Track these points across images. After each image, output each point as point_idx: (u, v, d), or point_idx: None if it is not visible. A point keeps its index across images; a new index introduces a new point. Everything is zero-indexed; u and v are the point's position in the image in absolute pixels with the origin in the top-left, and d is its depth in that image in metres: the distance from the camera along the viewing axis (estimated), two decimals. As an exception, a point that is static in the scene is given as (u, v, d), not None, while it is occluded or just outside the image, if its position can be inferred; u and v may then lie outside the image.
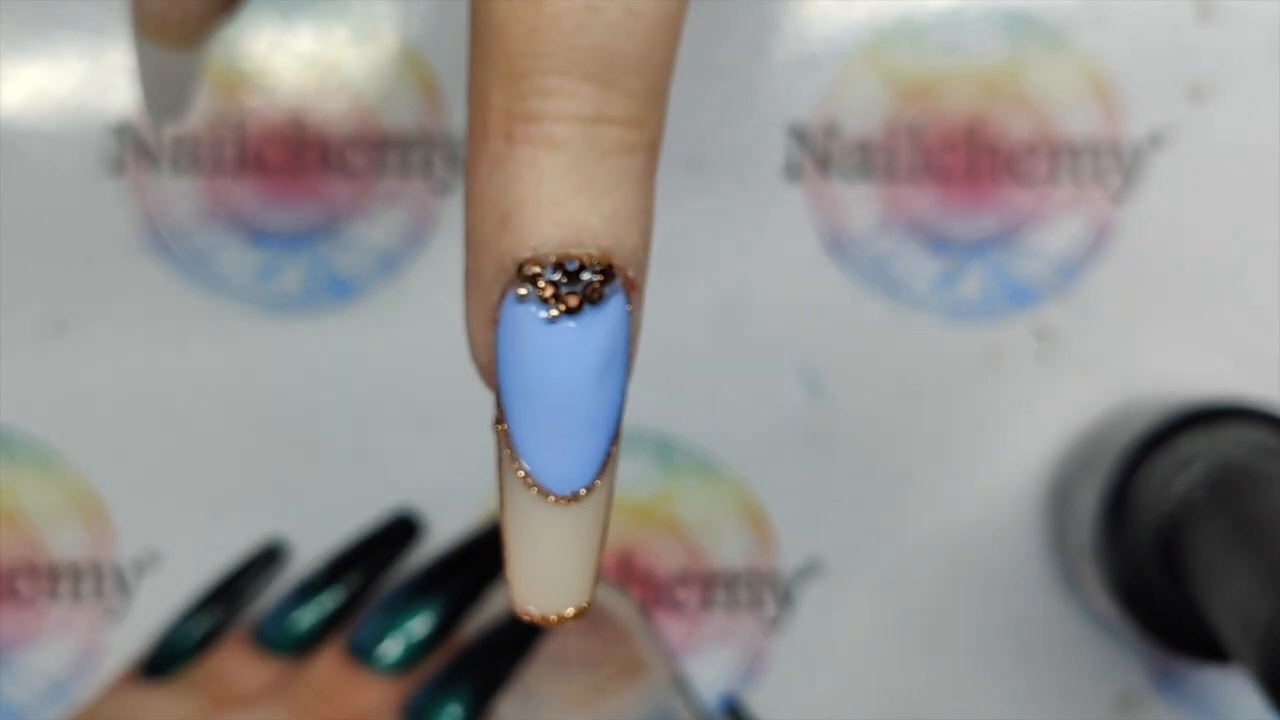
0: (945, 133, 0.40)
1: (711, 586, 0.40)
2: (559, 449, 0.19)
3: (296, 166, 0.40)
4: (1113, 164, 0.40)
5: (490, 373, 0.19)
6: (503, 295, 0.18)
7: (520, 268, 0.18)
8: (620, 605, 0.38)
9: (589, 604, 0.19)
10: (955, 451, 0.40)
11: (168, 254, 0.40)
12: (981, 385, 0.40)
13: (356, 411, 0.40)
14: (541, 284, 0.18)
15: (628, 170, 0.18)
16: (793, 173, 0.40)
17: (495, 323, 0.18)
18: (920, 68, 0.40)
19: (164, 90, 0.30)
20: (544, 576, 0.19)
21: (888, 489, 0.40)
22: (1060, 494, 0.39)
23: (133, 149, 0.39)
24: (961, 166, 0.40)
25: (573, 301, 0.18)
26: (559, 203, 0.18)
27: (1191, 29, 0.40)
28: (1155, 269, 0.40)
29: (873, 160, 0.40)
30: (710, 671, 0.39)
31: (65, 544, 0.39)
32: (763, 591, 0.40)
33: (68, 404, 0.39)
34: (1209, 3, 0.40)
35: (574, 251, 0.18)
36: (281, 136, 0.40)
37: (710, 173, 0.40)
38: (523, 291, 0.18)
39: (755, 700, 0.40)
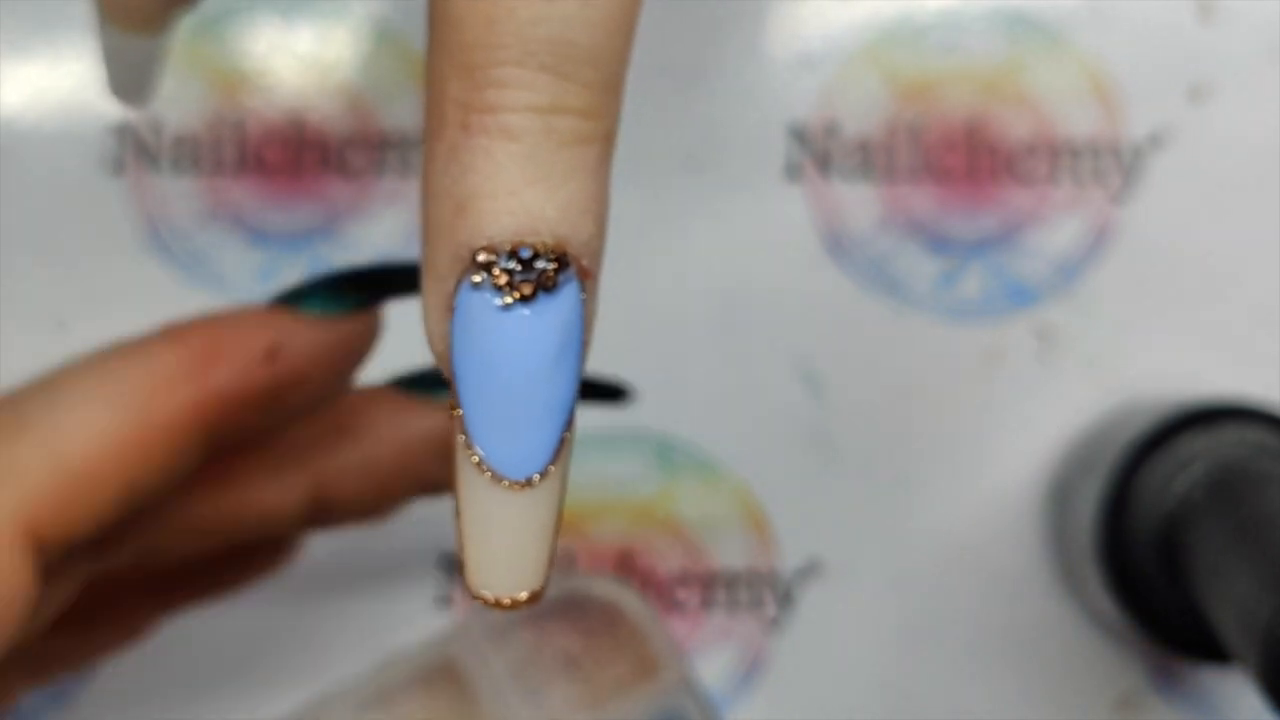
0: (945, 133, 0.40)
1: (712, 586, 0.40)
2: (512, 435, 0.19)
3: (296, 166, 0.40)
4: (1113, 164, 0.40)
5: (446, 360, 0.19)
6: (458, 283, 0.19)
7: (475, 256, 0.18)
8: (632, 604, 0.38)
9: (542, 588, 0.20)
10: (955, 451, 0.40)
11: (168, 254, 0.40)
12: (981, 385, 0.40)
13: (356, 411, 0.40)
14: (496, 272, 0.18)
15: (583, 160, 0.18)
16: (793, 172, 0.40)
17: (451, 310, 0.19)
18: (920, 68, 0.40)
19: (129, 74, 0.31)
20: (498, 561, 0.19)
21: (888, 489, 0.40)
22: (1060, 494, 0.39)
23: (133, 149, 0.39)
24: (961, 166, 0.40)
25: (527, 289, 0.18)
26: (514, 192, 0.18)
27: (1191, 29, 0.40)
28: (1155, 269, 0.40)
29: (873, 160, 0.40)
30: (710, 671, 0.39)
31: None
32: (763, 591, 0.40)
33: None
34: (1209, 3, 0.40)
35: (529, 240, 0.18)
36: (281, 136, 0.40)
37: (710, 173, 0.40)
38: (477, 279, 0.18)
39: (755, 700, 0.40)
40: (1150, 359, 0.40)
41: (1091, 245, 0.40)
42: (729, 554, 0.40)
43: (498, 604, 0.19)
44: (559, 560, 0.40)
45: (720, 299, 0.40)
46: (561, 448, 0.19)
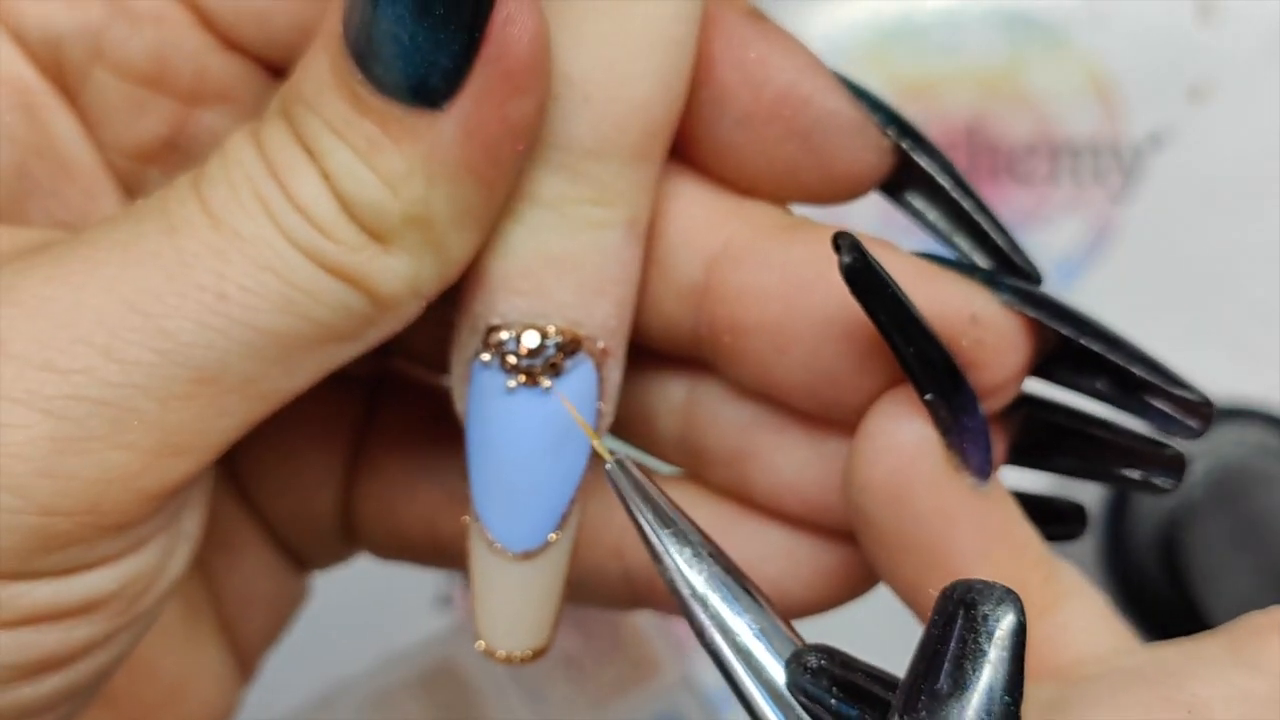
0: (945, 133, 0.40)
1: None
2: (513, 510, 0.19)
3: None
4: (1113, 164, 0.40)
5: (464, 427, 0.19)
6: (474, 354, 0.19)
7: (488, 333, 0.19)
8: None
9: (546, 645, 0.20)
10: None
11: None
12: (981, 385, 0.40)
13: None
14: (505, 355, 0.19)
15: (600, 244, 0.19)
16: (793, 173, 0.40)
17: (469, 378, 0.19)
18: (920, 68, 0.40)
19: None
20: (504, 621, 0.20)
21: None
22: (1060, 494, 0.39)
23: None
24: (962, 166, 0.40)
25: (533, 374, 0.19)
26: (527, 274, 0.19)
27: (1191, 29, 0.40)
28: (1155, 269, 0.40)
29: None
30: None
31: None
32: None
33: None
34: (1209, 3, 0.40)
35: (538, 324, 0.19)
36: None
37: (710, 173, 0.40)
38: (485, 358, 0.19)
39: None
40: (1150, 359, 0.40)
41: (1091, 245, 0.40)
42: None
43: (507, 659, 0.20)
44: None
45: (720, 299, 0.40)
46: (564, 521, 0.19)
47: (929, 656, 0.16)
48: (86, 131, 0.20)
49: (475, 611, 0.20)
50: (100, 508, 0.17)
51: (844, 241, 0.18)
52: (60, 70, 0.20)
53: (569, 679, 0.37)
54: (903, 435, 0.19)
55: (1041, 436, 0.21)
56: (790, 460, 0.21)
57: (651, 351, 0.21)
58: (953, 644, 0.16)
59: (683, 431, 0.22)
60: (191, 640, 0.23)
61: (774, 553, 0.21)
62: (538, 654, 0.20)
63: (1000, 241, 0.21)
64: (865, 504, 0.19)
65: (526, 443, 0.19)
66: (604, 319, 0.19)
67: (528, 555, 0.19)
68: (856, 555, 0.21)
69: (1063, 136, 0.40)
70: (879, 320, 0.18)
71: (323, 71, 0.17)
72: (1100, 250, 0.40)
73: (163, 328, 0.17)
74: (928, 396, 0.19)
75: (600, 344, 0.19)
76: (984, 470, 0.19)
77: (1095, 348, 0.20)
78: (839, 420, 0.20)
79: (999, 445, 0.21)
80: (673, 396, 0.22)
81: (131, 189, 0.20)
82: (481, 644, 0.20)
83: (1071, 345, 0.20)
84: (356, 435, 0.23)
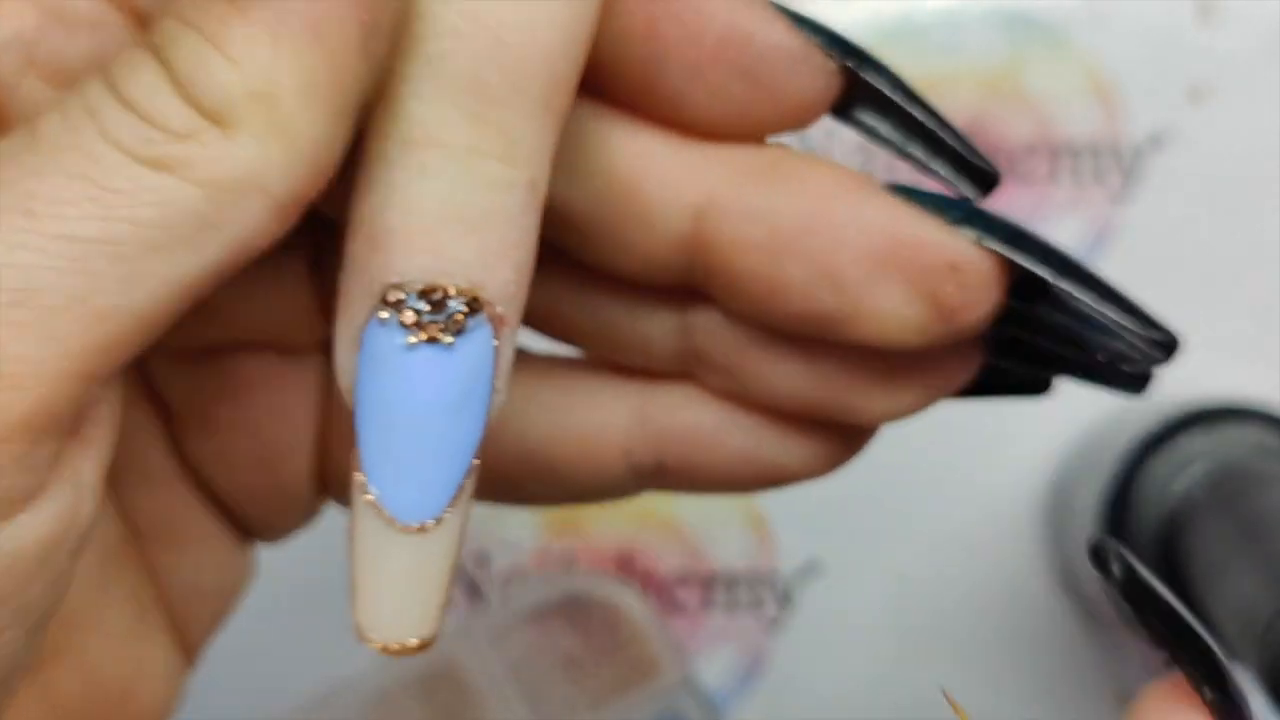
0: (945, 133, 0.40)
1: (711, 586, 0.40)
2: (409, 478, 0.18)
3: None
4: (1113, 164, 0.40)
5: (351, 395, 0.19)
6: (368, 317, 0.18)
7: (386, 293, 0.18)
8: (633, 605, 0.38)
9: (433, 636, 0.19)
10: (955, 452, 0.40)
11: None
12: (981, 385, 0.40)
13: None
14: (405, 310, 0.18)
15: (504, 206, 0.18)
16: (793, 173, 0.40)
17: (359, 344, 0.18)
18: (920, 68, 0.40)
19: None
20: (387, 605, 0.19)
21: (888, 489, 0.40)
22: (1060, 494, 0.39)
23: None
24: (961, 166, 0.40)
25: (434, 331, 0.18)
26: (428, 231, 0.18)
27: (1191, 29, 0.40)
28: (1155, 269, 0.40)
29: (873, 160, 0.40)
30: (710, 671, 0.39)
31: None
32: (763, 591, 0.40)
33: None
34: (1209, 3, 0.40)
35: (440, 281, 0.18)
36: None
37: (710, 173, 0.40)
38: (385, 315, 0.18)
39: (755, 700, 0.40)
40: (1150, 359, 0.40)
41: (1091, 245, 0.40)
42: (729, 554, 0.40)
43: (385, 649, 0.19)
44: (560, 561, 0.40)
45: (720, 299, 0.40)
46: (459, 494, 0.19)
47: None
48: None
49: (355, 596, 0.19)
50: None
51: (1109, 552, 0.19)
52: None
53: (569, 679, 0.37)
54: None
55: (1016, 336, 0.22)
56: (788, 373, 0.21)
57: (645, 294, 0.21)
58: None
59: (679, 349, 0.22)
60: (139, 639, 0.22)
61: (770, 443, 0.22)
62: (423, 645, 0.19)
63: (955, 144, 0.21)
64: None
65: (425, 402, 0.18)
66: (503, 284, 0.18)
67: (422, 528, 0.18)
68: (842, 435, 0.22)
69: (1063, 136, 0.40)
70: (1151, 629, 0.19)
71: None
72: (1100, 250, 0.40)
73: None
74: (1208, 695, 0.19)
75: (499, 310, 0.18)
76: None
77: (1072, 289, 0.21)
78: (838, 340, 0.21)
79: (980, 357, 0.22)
80: (668, 320, 0.22)
81: None
82: (361, 633, 0.19)
83: (1045, 284, 0.21)
84: (323, 399, 0.23)
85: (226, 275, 0.17)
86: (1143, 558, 0.35)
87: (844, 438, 0.23)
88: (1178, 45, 0.40)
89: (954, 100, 0.40)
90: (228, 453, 0.23)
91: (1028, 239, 0.21)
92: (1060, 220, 0.40)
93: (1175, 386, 0.40)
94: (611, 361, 0.23)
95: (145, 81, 0.16)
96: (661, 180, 0.20)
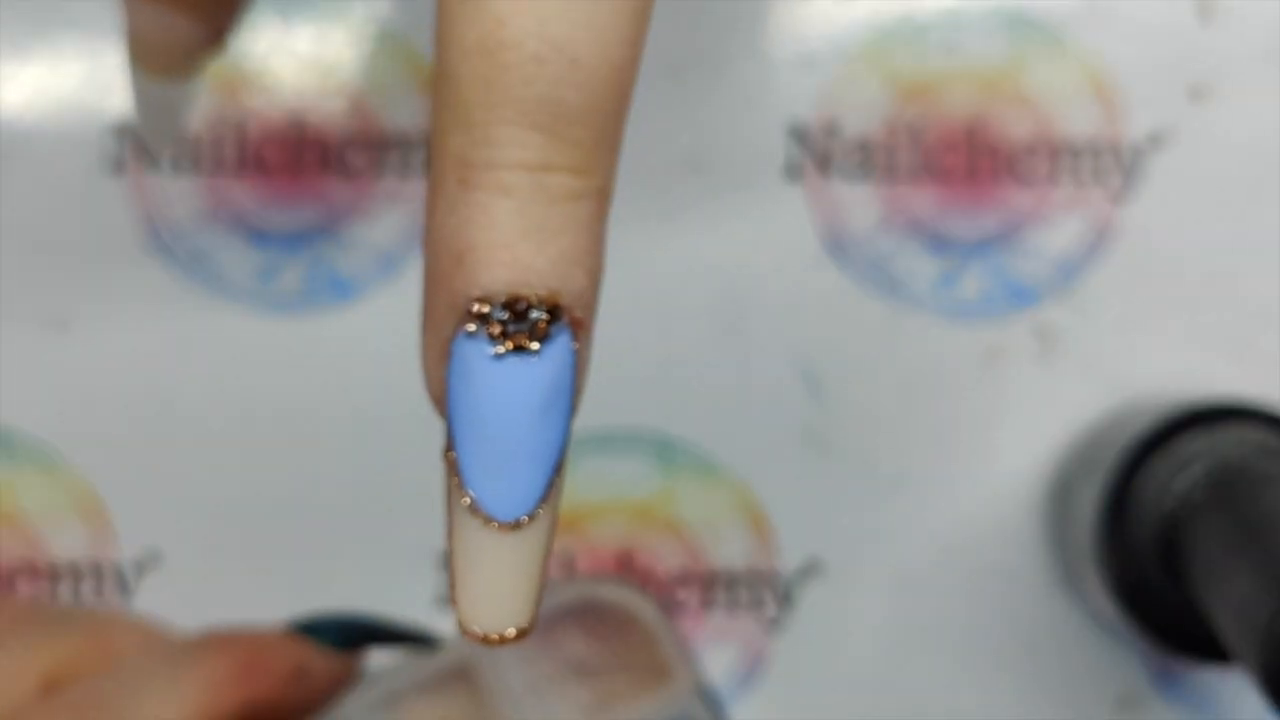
0: (945, 133, 0.40)
1: (711, 586, 0.40)
2: (503, 479, 0.20)
3: (297, 166, 0.40)
4: (1113, 164, 0.40)
5: (443, 405, 0.20)
6: (455, 331, 0.19)
7: (470, 306, 0.19)
8: (644, 610, 0.38)
9: (530, 625, 0.20)
10: (955, 451, 0.40)
11: (168, 254, 0.40)
12: (981, 385, 0.40)
13: (356, 411, 0.40)
14: (490, 322, 0.19)
15: (574, 215, 0.19)
16: (793, 172, 0.40)
17: (447, 356, 0.20)
18: (920, 68, 0.40)
19: (158, 117, 0.33)
20: (487, 599, 0.20)
21: (888, 488, 0.40)
22: (1060, 494, 0.39)
23: (132, 149, 0.39)
24: (961, 166, 0.40)
25: (519, 339, 0.19)
26: (508, 245, 0.19)
27: (1191, 29, 0.40)
28: (1155, 269, 0.40)
29: (873, 160, 0.40)
30: (710, 671, 0.39)
31: (65, 544, 0.39)
32: (763, 591, 0.40)
33: (68, 404, 0.39)
34: (1209, 3, 0.40)
35: (521, 292, 0.19)
36: (281, 136, 0.40)
37: (710, 173, 0.40)
38: (472, 328, 0.19)
39: (755, 700, 0.40)
40: (1150, 359, 0.40)
41: (1091, 245, 0.40)
42: (729, 554, 0.40)
43: (486, 640, 0.20)
44: (559, 561, 0.40)
45: (720, 299, 0.40)
46: (550, 491, 0.20)
47: None
48: None
49: (458, 594, 0.20)
50: None
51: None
52: None
53: (580, 683, 0.37)
54: None
55: None
56: None
57: None
58: None
59: None
60: None
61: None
62: (521, 634, 0.20)
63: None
64: None
65: (516, 408, 0.19)
66: (580, 289, 0.19)
67: (516, 525, 0.20)
68: None
69: (1063, 136, 0.40)
70: None
71: None
72: (1100, 250, 0.40)
73: None
74: None
75: (577, 313, 0.19)
76: None
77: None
78: None
79: None
80: None
81: None
82: (464, 625, 0.20)
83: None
84: None
85: None
86: (1143, 558, 0.35)
87: None
88: (1178, 45, 0.40)
89: (954, 100, 0.40)
90: None
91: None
92: (1060, 220, 0.40)
93: (1175, 386, 0.40)
94: None
95: None
96: None
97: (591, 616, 0.38)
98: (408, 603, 0.39)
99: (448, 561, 0.20)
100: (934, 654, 0.40)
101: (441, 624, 0.39)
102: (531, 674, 0.37)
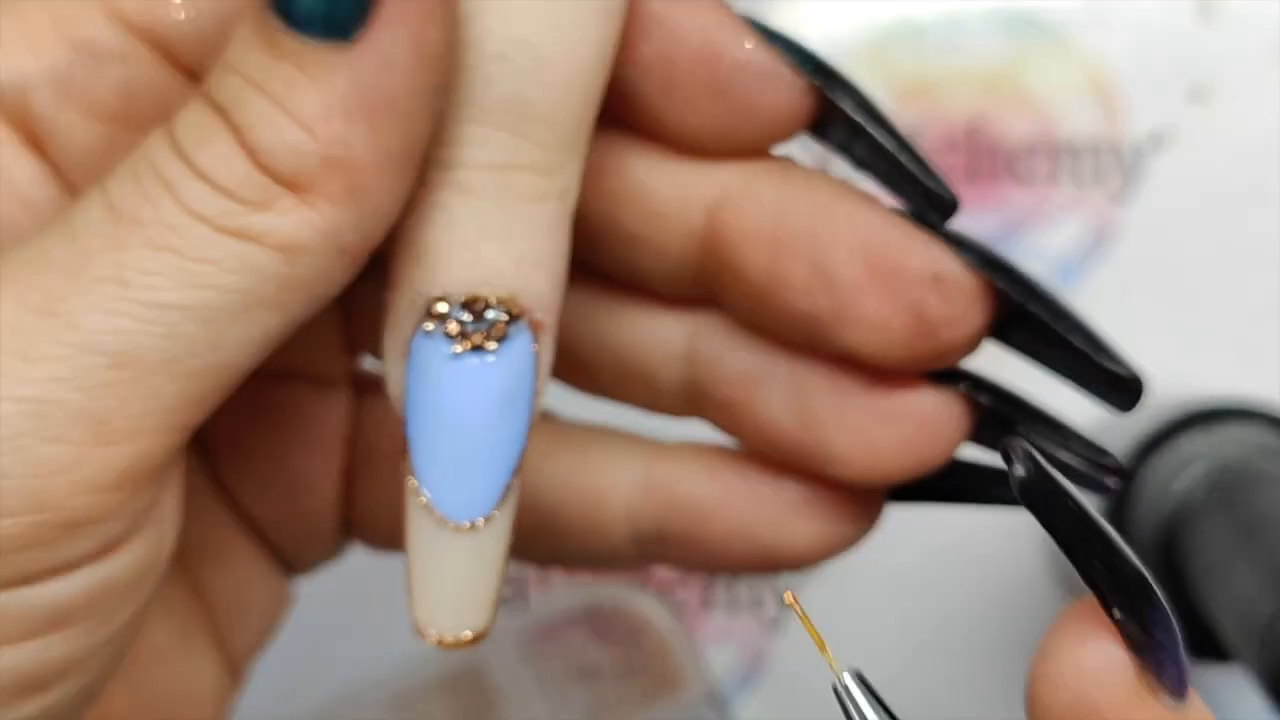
0: (945, 133, 0.40)
1: (711, 586, 0.40)
2: (458, 479, 0.19)
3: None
4: (1113, 164, 0.40)
5: (401, 404, 0.20)
6: (414, 330, 0.19)
7: (430, 305, 0.19)
8: (659, 617, 0.38)
9: (486, 628, 0.20)
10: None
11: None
12: (981, 385, 0.40)
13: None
14: (449, 322, 0.19)
15: (537, 217, 0.19)
16: (793, 173, 0.40)
17: (406, 355, 0.19)
18: (920, 68, 0.40)
19: None
20: (443, 601, 0.20)
21: (888, 489, 0.40)
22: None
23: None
24: (962, 166, 0.40)
25: (477, 339, 0.19)
26: (469, 245, 0.19)
27: (1191, 29, 0.40)
28: (1155, 269, 0.40)
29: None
30: (718, 666, 0.39)
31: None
32: (763, 591, 0.40)
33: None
34: (1209, 3, 0.40)
35: (481, 292, 0.19)
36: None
37: (710, 173, 0.40)
38: (430, 327, 0.19)
39: (755, 700, 0.40)
40: (1150, 359, 0.40)
41: (1091, 245, 0.40)
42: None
43: (440, 643, 0.20)
44: (580, 571, 0.40)
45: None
46: (507, 493, 0.20)
47: None
48: (56, 176, 0.20)
49: (412, 593, 0.20)
50: (45, 504, 0.17)
51: (1017, 451, 0.18)
52: (27, 117, 0.20)
53: (591, 688, 0.37)
54: (1089, 657, 0.18)
55: (990, 421, 0.22)
56: (777, 405, 0.21)
57: (653, 298, 0.22)
58: None
59: (684, 377, 0.22)
60: (186, 656, 0.23)
61: (769, 518, 0.22)
62: (478, 637, 0.20)
63: (914, 169, 0.21)
64: None
65: (472, 407, 0.19)
66: (540, 291, 0.19)
67: (473, 527, 0.20)
68: (840, 512, 0.23)
69: (1063, 136, 0.40)
70: (1058, 536, 0.18)
71: (245, 32, 0.17)
72: (1100, 250, 0.40)
73: (72, 322, 0.17)
74: (1117, 614, 0.18)
75: (537, 315, 0.19)
76: (1181, 689, 0.19)
77: (1041, 315, 0.21)
78: (832, 360, 0.21)
79: (968, 419, 0.22)
80: (674, 343, 0.22)
81: None
82: (420, 628, 0.20)
83: (1023, 311, 0.21)
84: (351, 432, 0.23)
85: (301, 324, 0.18)
86: (1143, 557, 0.35)
87: (842, 515, 0.23)
88: (1178, 45, 0.40)
89: (954, 100, 0.40)
90: (257, 478, 0.23)
91: (1010, 267, 0.21)
92: (1060, 220, 0.40)
93: (1175, 386, 0.40)
94: (624, 433, 0.23)
95: (218, 152, 0.17)
96: (673, 181, 0.21)
97: (605, 623, 0.38)
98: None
99: (405, 566, 0.20)
100: (934, 654, 0.40)
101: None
102: (545, 678, 0.37)
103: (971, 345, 0.21)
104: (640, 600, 0.38)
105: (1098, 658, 0.18)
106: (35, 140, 0.20)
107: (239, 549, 0.24)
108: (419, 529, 0.20)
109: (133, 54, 0.20)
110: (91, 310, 0.17)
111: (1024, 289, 0.21)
